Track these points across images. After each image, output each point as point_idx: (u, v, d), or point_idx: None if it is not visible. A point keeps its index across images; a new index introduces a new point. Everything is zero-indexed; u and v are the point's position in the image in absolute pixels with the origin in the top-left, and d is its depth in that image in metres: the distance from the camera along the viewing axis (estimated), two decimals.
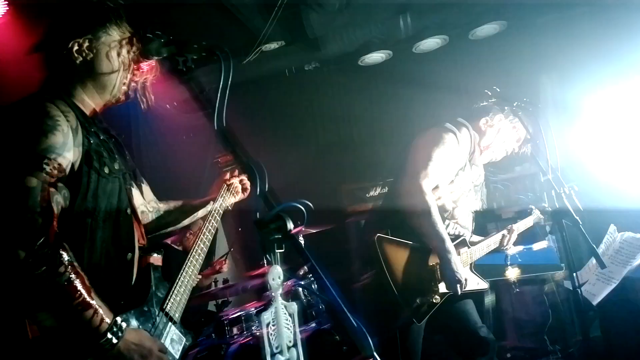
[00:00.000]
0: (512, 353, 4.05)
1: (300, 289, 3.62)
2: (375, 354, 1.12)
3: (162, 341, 1.61)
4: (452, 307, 2.69)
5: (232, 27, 4.49)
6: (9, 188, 1.38)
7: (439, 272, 2.58)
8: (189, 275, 1.79)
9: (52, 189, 1.42)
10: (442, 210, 2.67)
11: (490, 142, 2.88)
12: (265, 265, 3.93)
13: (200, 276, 4.07)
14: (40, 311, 1.41)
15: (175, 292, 1.74)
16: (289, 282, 3.52)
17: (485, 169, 3.02)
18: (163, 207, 2.11)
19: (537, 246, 3.63)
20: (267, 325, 1.16)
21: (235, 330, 3.54)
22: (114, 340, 1.41)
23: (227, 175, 2.23)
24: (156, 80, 1.73)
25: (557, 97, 4.58)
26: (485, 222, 4.91)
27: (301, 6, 4.43)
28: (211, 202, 2.10)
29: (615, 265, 2.91)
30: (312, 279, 3.49)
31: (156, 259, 1.72)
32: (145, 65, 1.68)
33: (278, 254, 1.19)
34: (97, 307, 1.41)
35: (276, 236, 1.19)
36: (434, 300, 2.55)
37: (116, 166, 1.66)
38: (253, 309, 3.62)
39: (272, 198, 1.23)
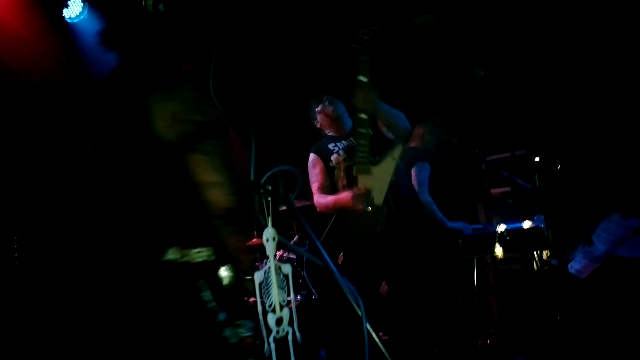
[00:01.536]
0: (496, 329, 4.13)
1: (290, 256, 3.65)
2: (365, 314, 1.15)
3: None
4: None
5: None
6: None
7: None
8: None
9: None
10: None
11: None
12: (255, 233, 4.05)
13: None
14: None
15: None
16: (279, 252, 3.56)
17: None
18: None
19: (526, 224, 3.68)
20: (260, 284, 1.18)
21: None
22: None
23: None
24: None
25: None
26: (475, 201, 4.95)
27: None
28: None
29: (602, 243, 2.97)
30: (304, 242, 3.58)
31: None
32: None
33: (271, 215, 1.20)
34: None
35: (270, 198, 1.20)
36: None
37: None
38: None
39: (265, 161, 1.24)
